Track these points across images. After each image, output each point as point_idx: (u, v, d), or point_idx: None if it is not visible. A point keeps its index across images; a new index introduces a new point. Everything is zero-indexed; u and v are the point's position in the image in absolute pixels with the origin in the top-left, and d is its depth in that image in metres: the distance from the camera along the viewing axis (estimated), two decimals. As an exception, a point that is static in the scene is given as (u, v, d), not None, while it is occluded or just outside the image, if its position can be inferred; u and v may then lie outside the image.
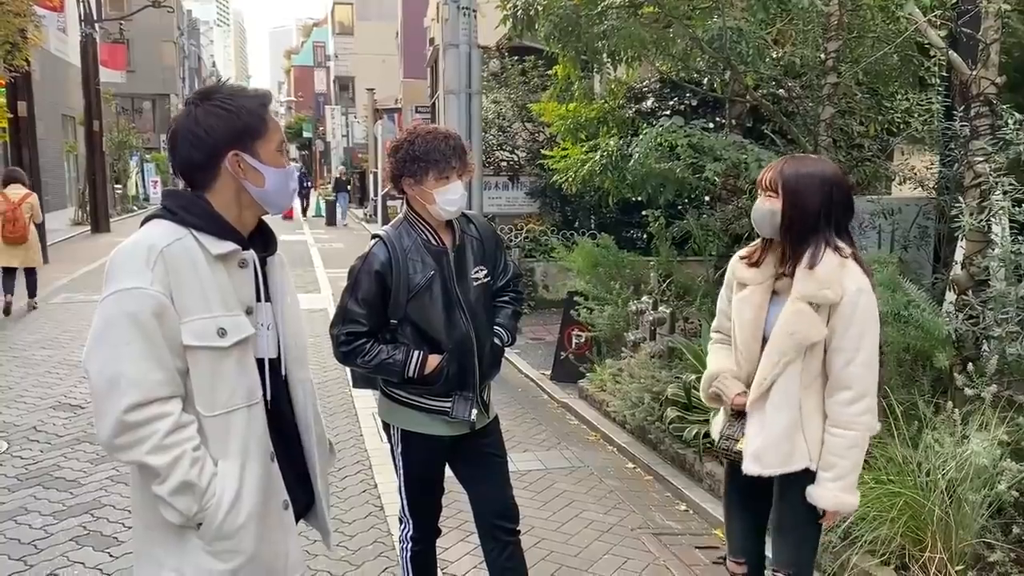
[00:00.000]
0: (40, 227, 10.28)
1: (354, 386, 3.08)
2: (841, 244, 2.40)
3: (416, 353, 2.71)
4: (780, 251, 2.48)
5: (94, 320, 1.78)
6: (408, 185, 2.75)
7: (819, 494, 2.41)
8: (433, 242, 2.78)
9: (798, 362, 2.39)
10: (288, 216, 25.49)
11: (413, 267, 2.72)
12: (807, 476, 2.43)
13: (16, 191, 9.52)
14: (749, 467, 2.47)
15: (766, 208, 2.44)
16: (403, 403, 2.83)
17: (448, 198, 2.71)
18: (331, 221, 26.71)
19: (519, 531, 2.99)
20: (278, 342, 2.00)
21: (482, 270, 2.87)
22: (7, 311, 9.69)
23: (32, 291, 10.12)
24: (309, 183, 31.79)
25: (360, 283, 2.72)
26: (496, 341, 2.91)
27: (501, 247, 3.03)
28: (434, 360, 2.73)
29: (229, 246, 1.87)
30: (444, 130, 2.81)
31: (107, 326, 1.75)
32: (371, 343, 2.72)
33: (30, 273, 9.97)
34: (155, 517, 1.85)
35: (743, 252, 2.62)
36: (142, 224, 1.90)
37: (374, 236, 2.83)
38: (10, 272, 9.67)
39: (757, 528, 2.72)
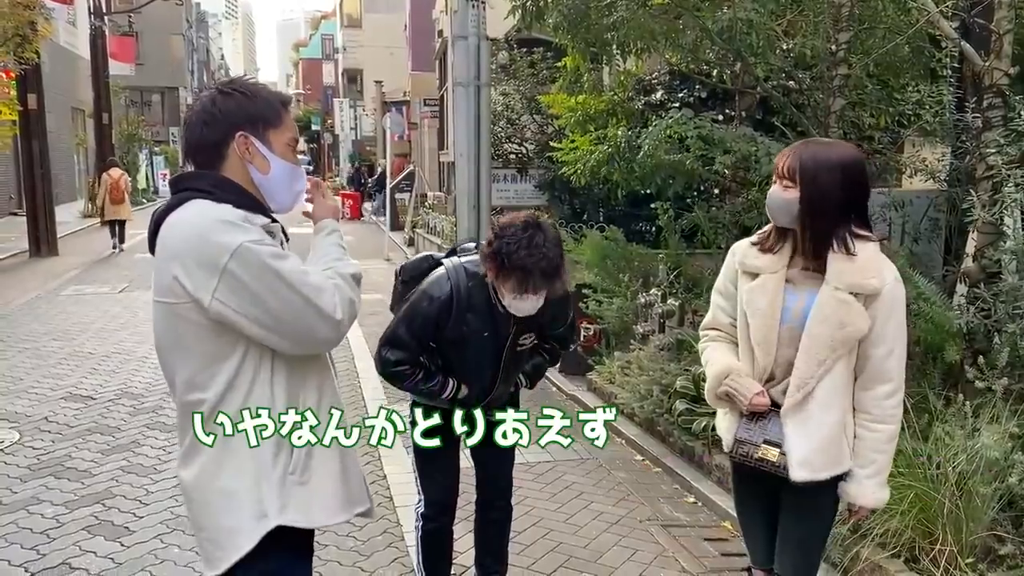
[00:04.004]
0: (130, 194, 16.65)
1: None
2: (865, 232, 2.27)
3: (452, 383, 2.85)
4: (798, 241, 2.31)
5: (234, 276, 1.77)
6: (490, 273, 2.68)
7: (858, 492, 2.30)
8: (501, 307, 2.76)
9: (847, 357, 2.25)
10: (355, 216, 24.49)
11: (471, 321, 2.75)
12: (832, 482, 2.32)
13: (115, 172, 15.77)
14: (798, 474, 2.28)
15: (782, 197, 2.28)
16: None
17: (518, 306, 2.69)
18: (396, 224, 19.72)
19: (506, 505, 3.21)
20: None
21: (530, 336, 2.91)
22: (114, 248, 15.40)
23: (121, 238, 15.54)
24: (365, 180, 28.59)
25: (416, 319, 2.78)
26: (512, 390, 3.05)
27: (568, 302, 3.00)
28: (466, 388, 2.89)
29: (264, 219, 1.92)
30: (548, 247, 2.59)
31: (259, 274, 1.79)
32: (415, 370, 2.83)
33: (122, 225, 15.52)
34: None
35: (753, 238, 2.46)
36: (166, 212, 1.89)
37: (441, 265, 2.85)
38: (112, 224, 15.46)
39: None
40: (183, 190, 1.90)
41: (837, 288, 2.22)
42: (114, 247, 15.46)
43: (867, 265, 2.22)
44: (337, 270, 1.95)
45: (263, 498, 1.87)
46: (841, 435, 2.29)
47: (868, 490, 2.30)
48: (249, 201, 1.90)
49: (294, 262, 1.86)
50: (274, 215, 2.02)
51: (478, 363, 2.86)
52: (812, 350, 2.25)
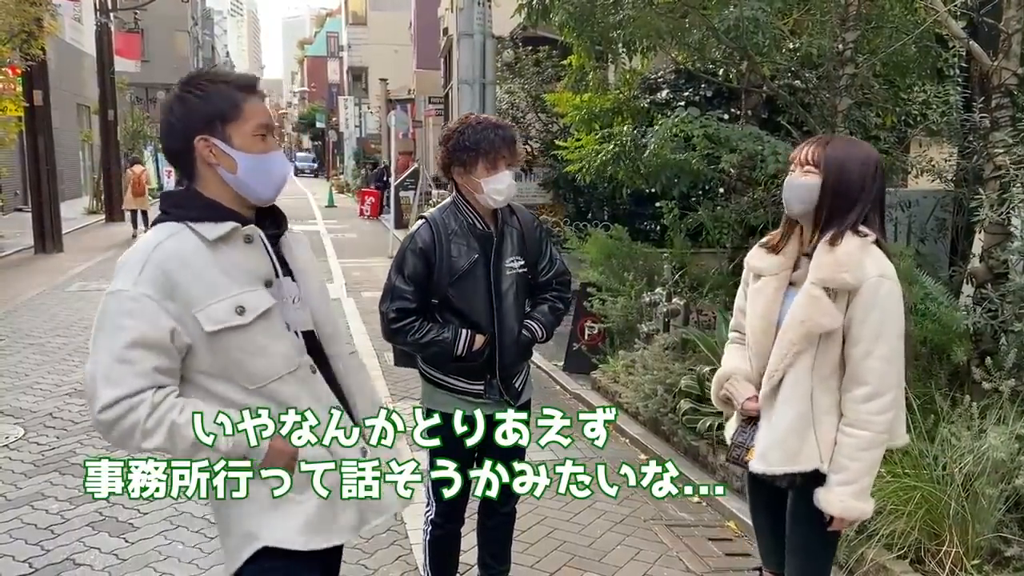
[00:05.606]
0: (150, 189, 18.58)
1: (395, 363, 3.14)
2: (862, 227, 2.20)
3: (464, 332, 2.79)
4: (805, 233, 2.29)
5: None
6: (458, 174, 2.82)
7: (826, 498, 2.20)
8: (479, 226, 2.84)
9: (810, 353, 2.19)
10: (373, 215, 23.66)
11: (457, 250, 2.78)
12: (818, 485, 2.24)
13: (138, 168, 17.68)
14: (755, 465, 2.30)
15: (802, 183, 2.23)
16: (429, 380, 2.94)
17: (496, 187, 2.76)
18: (400, 222, 18.87)
19: (510, 511, 3.16)
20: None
21: (518, 260, 2.91)
22: (135, 236, 16.29)
23: (145, 223, 16.27)
24: (388, 177, 28.45)
25: (406, 260, 2.79)
26: (525, 333, 2.94)
27: (546, 241, 3.06)
28: (480, 338, 2.81)
29: (227, 226, 1.88)
30: (495, 120, 2.86)
31: (96, 329, 1.85)
32: (420, 321, 2.78)
33: (144, 214, 16.96)
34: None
35: (764, 240, 2.45)
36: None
37: (420, 217, 2.92)
38: (134, 213, 17.35)
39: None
40: (160, 209, 1.95)
41: (812, 282, 2.19)
42: (135, 230, 17.51)
43: (844, 260, 2.15)
44: (179, 418, 1.79)
45: (255, 516, 1.91)
46: (804, 432, 2.22)
47: (836, 497, 2.19)
48: (213, 212, 1.88)
49: (133, 338, 1.79)
50: (259, 210, 1.98)
51: (476, 294, 2.81)
52: (780, 344, 2.25)
